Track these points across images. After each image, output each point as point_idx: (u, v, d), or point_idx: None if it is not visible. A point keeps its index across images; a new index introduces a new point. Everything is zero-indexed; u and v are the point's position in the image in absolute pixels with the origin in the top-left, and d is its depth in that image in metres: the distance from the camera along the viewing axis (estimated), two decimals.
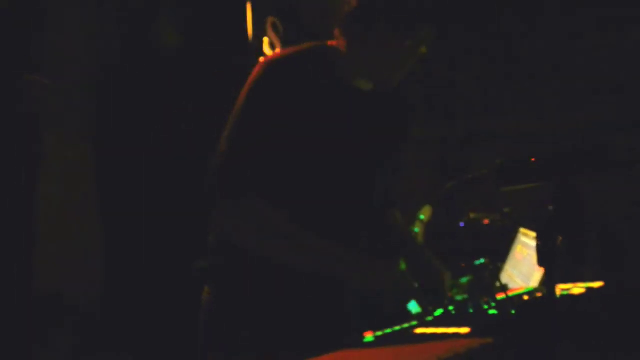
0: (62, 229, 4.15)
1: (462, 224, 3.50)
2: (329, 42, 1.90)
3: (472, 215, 3.51)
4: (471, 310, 1.72)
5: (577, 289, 1.84)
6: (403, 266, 2.78)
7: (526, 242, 2.45)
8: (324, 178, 1.85)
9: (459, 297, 2.70)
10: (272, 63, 1.84)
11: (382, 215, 2.13)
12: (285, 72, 1.81)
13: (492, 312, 1.64)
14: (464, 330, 1.39)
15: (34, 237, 4.03)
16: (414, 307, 2.50)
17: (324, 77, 1.85)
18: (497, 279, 2.73)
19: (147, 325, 4.12)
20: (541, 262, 1.35)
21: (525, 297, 1.79)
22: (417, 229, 2.90)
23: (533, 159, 1.42)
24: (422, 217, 2.94)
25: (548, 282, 1.36)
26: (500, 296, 1.88)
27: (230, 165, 1.79)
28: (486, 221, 3.53)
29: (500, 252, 2.87)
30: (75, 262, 4.27)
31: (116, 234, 4.34)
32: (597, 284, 1.86)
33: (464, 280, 2.98)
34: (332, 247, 1.81)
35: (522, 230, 2.56)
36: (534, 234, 2.45)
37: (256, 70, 1.83)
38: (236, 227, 1.80)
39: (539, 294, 1.81)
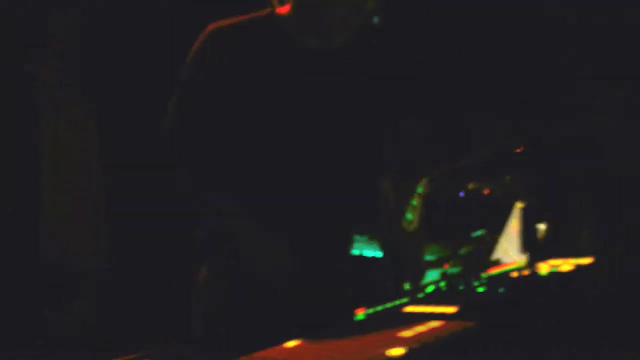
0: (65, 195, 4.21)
1: (461, 194, 3.54)
2: (278, 9, 1.93)
3: (471, 186, 3.54)
4: (461, 287, 1.77)
5: (567, 265, 1.89)
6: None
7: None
8: (278, 143, 1.88)
9: (455, 270, 2.76)
10: (219, 30, 1.88)
11: (360, 182, 2.13)
12: (232, 38, 1.86)
13: (481, 289, 1.69)
14: (451, 309, 1.44)
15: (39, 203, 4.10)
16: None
17: (271, 42, 1.89)
18: (492, 252, 2.79)
19: (154, 290, 4.19)
20: (525, 248, 1.40)
21: (515, 274, 1.83)
22: (415, 202, 2.94)
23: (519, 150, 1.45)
24: (420, 190, 2.98)
25: (531, 267, 1.40)
26: (492, 272, 1.93)
27: (181, 133, 1.87)
28: (486, 191, 3.57)
29: (500, 223, 2.91)
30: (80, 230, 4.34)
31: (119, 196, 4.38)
32: (587, 260, 1.90)
33: (462, 251, 3.04)
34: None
35: (520, 204, 2.60)
36: None
37: (202, 38, 1.88)
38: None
39: (526, 272, 1.85)
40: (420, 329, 1.19)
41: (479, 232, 3.01)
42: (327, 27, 1.86)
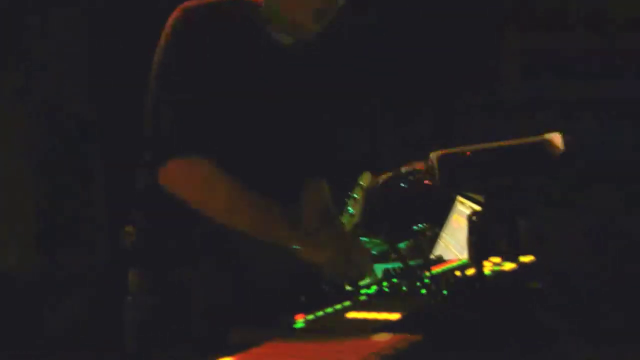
0: None
1: (403, 185, 3.51)
2: None
3: (411, 177, 3.51)
4: (404, 289, 1.73)
5: (509, 264, 1.86)
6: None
7: (463, 212, 2.47)
8: (247, 134, 1.83)
9: (393, 265, 2.73)
10: (191, 10, 1.81)
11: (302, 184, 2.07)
12: (205, 19, 1.80)
13: (424, 291, 1.65)
14: (395, 316, 1.39)
15: None
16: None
17: (242, 28, 1.84)
18: (433, 246, 2.77)
19: None
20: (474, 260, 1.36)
21: (457, 273, 1.79)
22: (356, 195, 2.90)
23: (468, 153, 1.41)
24: (361, 182, 2.94)
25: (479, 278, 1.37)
26: (434, 270, 1.89)
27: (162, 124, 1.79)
28: (427, 182, 3.54)
29: (441, 217, 2.89)
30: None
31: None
32: (527, 258, 1.88)
33: (402, 245, 3.01)
34: (277, 215, 1.81)
35: (460, 198, 2.58)
36: (470, 204, 2.47)
37: (174, 17, 1.81)
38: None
39: (469, 272, 1.81)
40: (364, 344, 1.14)
41: (419, 226, 2.98)
42: (300, 17, 1.81)
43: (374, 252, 2.95)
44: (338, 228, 2.16)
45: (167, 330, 1.80)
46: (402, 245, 2.96)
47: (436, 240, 2.72)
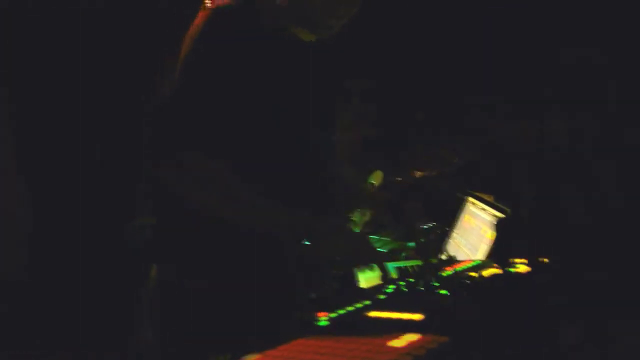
0: None
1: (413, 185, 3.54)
2: None
3: (418, 174, 3.55)
4: (421, 288, 1.76)
5: (523, 265, 1.90)
6: (357, 228, 2.82)
7: (474, 212, 2.50)
8: (264, 130, 1.86)
9: (405, 263, 2.76)
10: (216, 12, 1.84)
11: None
12: (228, 21, 1.82)
13: (443, 292, 1.68)
14: (417, 316, 1.42)
15: None
16: (362, 274, 2.54)
17: (264, 27, 1.86)
18: (444, 247, 2.80)
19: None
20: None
21: (474, 274, 1.82)
22: (368, 192, 2.93)
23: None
24: (372, 181, 2.97)
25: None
26: (449, 270, 1.93)
27: (171, 115, 1.82)
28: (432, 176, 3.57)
29: (450, 217, 2.92)
30: None
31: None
32: (543, 260, 1.91)
33: (412, 244, 3.04)
34: (277, 206, 1.84)
35: (470, 199, 2.61)
36: (481, 204, 2.50)
37: (200, 19, 1.84)
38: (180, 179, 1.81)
39: (487, 272, 1.85)
40: (396, 343, 1.17)
41: (428, 225, 3.01)
42: (318, 15, 1.84)
43: (384, 250, 2.99)
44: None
45: (190, 324, 1.83)
46: (410, 244, 3.00)
47: (445, 239, 2.76)
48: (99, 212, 4.34)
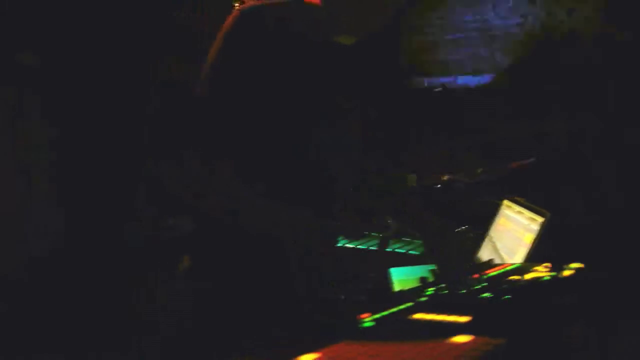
0: None
1: (437, 185, 3.52)
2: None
3: (444, 177, 3.52)
4: (463, 291, 1.74)
5: (565, 270, 1.87)
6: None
7: (510, 215, 2.48)
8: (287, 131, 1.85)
9: (440, 267, 2.74)
10: (249, 12, 1.83)
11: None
12: (260, 23, 1.81)
13: (486, 295, 1.66)
14: (464, 319, 1.41)
15: None
16: (396, 275, 2.53)
17: (297, 30, 1.85)
18: (478, 250, 2.78)
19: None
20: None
21: (515, 277, 1.81)
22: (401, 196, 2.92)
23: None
24: (408, 183, 2.96)
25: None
26: (490, 273, 1.91)
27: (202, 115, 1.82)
28: (456, 183, 3.55)
29: (484, 220, 2.88)
30: None
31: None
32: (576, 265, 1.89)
33: (444, 247, 3.02)
34: (280, 208, 1.83)
35: (506, 202, 2.59)
36: (517, 208, 2.48)
37: (232, 18, 1.83)
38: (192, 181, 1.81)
39: (530, 275, 1.83)
40: (446, 346, 1.16)
41: (461, 228, 2.99)
42: (355, 21, 1.83)
43: (416, 253, 2.97)
44: None
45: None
46: (443, 247, 2.97)
47: (479, 243, 2.73)
48: (98, 211, 4.34)
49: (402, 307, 1.61)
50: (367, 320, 1.50)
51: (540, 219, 2.18)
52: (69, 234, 4.28)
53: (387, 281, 2.44)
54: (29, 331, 3.94)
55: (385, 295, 1.93)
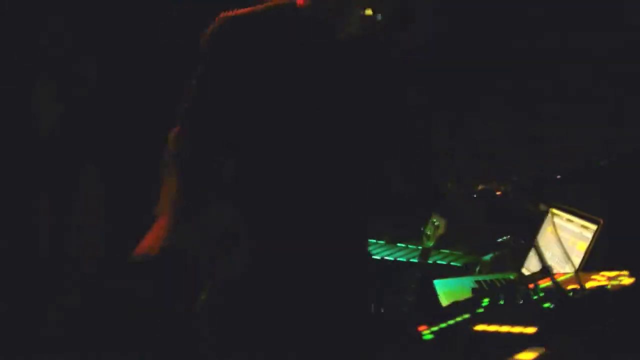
0: None
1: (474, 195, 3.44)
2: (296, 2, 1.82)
3: (480, 186, 3.44)
4: (521, 302, 1.67)
5: (625, 278, 1.80)
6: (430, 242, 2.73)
7: (559, 224, 2.40)
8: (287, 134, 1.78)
9: (484, 277, 2.66)
10: (232, 19, 1.77)
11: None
12: (245, 28, 1.75)
13: (547, 305, 1.59)
14: (530, 330, 1.34)
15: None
16: (441, 288, 2.46)
17: (283, 36, 1.77)
18: (523, 259, 2.70)
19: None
20: None
21: (571, 287, 1.73)
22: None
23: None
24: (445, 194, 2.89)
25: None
26: (545, 283, 1.84)
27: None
28: (498, 192, 3.47)
29: (529, 229, 2.80)
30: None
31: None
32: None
33: (487, 257, 2.95)
34: None
35: (553, 210, 2.51)
36: (566, 215, 2.40)
37: (214, 26, 1.76)
38: None
39: (589, 284, 1.75)
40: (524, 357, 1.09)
41: (503, 238, 2.91)
42: (344, 18, 1.75)
43: (457, 264, 2.89)
44: None
45: None
46: (487, 257, 2.90)
47: (526, 252, 2.65)
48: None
49: (459, 319, 1.54)
50: (426, 332, 1.43)
51: (593, 227, 2.10)
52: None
53: (431, 293, 2.37)
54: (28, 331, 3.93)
55: (433, 307, 1.86)
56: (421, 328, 1.46)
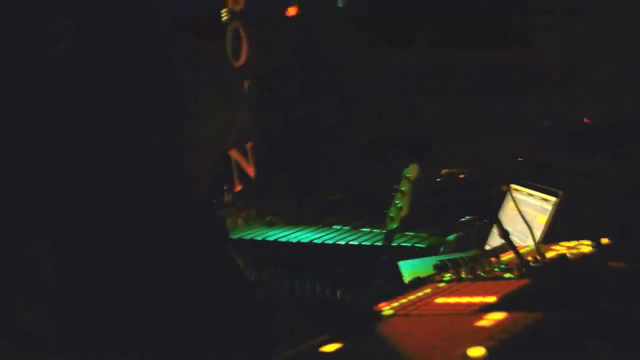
0: None
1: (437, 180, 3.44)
2: None
3: (444, 171, 3.44)
4: (483, 275, 1.66)
5: (584, 246, 1.80)
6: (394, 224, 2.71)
7: (520, 199, 2.40)
8: None
9: (448, 256, 2.65)
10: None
11: None
12: None
13: (508, 275, 1.58)
14: (491, 299, 1.32)
15: None
16: (406, 269, 2.44)
17: None
18: (487, 236, 2.70)
19: None
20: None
21: (530, 258, 1.72)
22: (404, 187, 2.83)
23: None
24: (408, 174, 2.87)
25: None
26: (507, 256, 1.84)
27: None
28: (462, 175, 3.47)
29: (490, 207, 2.80)
30: None
31: None
32: (604, 240, 1.81)
33: (451, 237, 2.94)
34: None
35: (513, 186, 2.51)
36: (527, 190, 2.40)
37: None
38: None
39: (549, 254, 1.75)
40: (484, 323, 1.07)
41: (466, 218, 2.91)
42: None
43: (422, 246, 2.88)
44: None
45: None
46: (451, 237, 2.90)
47: (489, 230, 2.65)
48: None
49: (420, 294, 1.53)
50: (386, 309, 1.41)
51: (553, 199, 2.10)
52: None
53: (396, 274, 2.35)
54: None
55: (397, 286, 1.84)
56: (380, 305, 1.44)
